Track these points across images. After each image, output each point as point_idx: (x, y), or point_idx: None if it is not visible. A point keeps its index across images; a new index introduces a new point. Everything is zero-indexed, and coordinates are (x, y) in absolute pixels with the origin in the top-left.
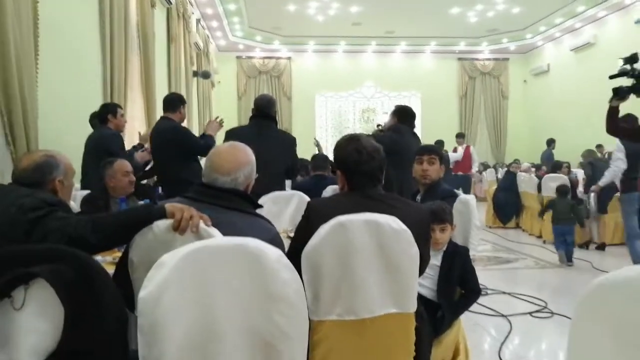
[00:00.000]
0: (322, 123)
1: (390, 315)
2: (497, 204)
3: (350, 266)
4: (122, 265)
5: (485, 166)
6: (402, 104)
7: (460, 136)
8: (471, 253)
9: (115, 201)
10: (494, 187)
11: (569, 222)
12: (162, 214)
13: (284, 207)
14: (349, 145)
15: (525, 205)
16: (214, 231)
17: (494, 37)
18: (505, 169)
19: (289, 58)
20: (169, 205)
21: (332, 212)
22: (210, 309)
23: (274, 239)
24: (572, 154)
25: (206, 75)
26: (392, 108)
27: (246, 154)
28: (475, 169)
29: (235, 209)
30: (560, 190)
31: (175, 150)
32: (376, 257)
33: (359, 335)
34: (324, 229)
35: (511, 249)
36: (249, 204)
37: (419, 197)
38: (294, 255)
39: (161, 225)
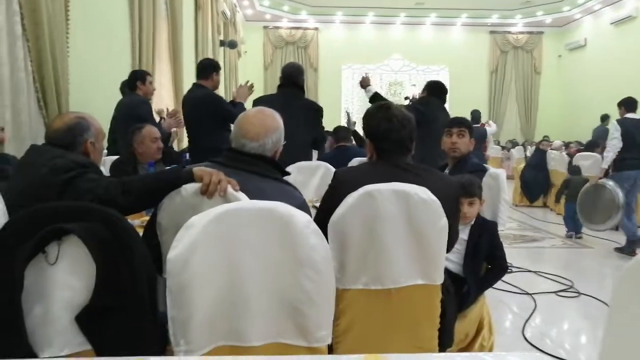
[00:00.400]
0: (348, 95)
1: (417, 286)
2: (524, 182)
3: (378, 236)
4: (151, 227)
5: (513, 144)
6: (433, 79)
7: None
8: (500, 229)
9: (143, 167)
10: (522, 164)
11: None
12: (190, 178)
13: (309, 177)
14: (378, 112)
15: (554, 184)
16: (242, 196)
17: (529, 9)
18: (534, 146)
19: (316, 29)
20: (197, 169)
21: (360, 181)
22: (238, 272)
23: (302, 206)
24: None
25: (233, 44)
26: (421, 82)
27: (274, 119)
28: (489, 151)
29: (263, 174)
30: (573, 169)
31: (208, 118)
32: (404, 228)
33: (384, 305)
34: (351, 198)
35: (538, 228)
36: (277, 170)
37: (447, 171)
38: (320, 224)
39: (189, 188)
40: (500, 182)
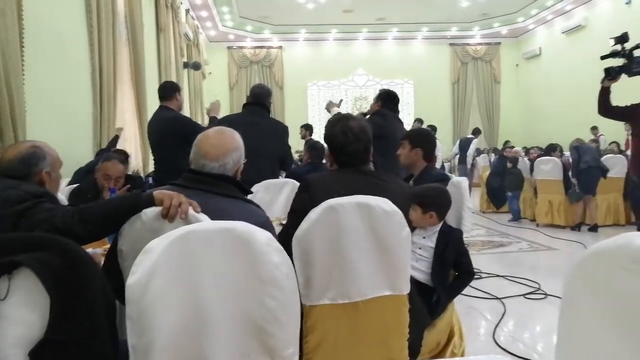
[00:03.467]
0: (314, 112)
1: (384, 298)
2: (490, 188)
3: (342, 249)
4: (112, 255)
5: (478, 152)
6: (388, 88)
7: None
8: (464, 235)
9: (105, 194)
10: (488, 172)
11: (516, 189)
12: (151, 202)
13: (276, 195)
14: (336, 125)
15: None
16: (204, 217)
17: (486, 21)
18: (498, 153)
19: (280, 47)
20: (157, 193)
21: (331, 186)
22: (200, 294)
23: (265, 224)
24: (565, 137)
25: (197, 66)
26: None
27: (234, 139)
28: (439, 164)
29: (224, 194)
30: (512, 161)
31: (177, 139)
32: (368, 240)
33: (352, 318)
34: (314, 213)
35: (505, 233)
36: (239, 190)
37: (411, 182)
38: (290, 231)
39: (149, 213)
40: (463, 190)
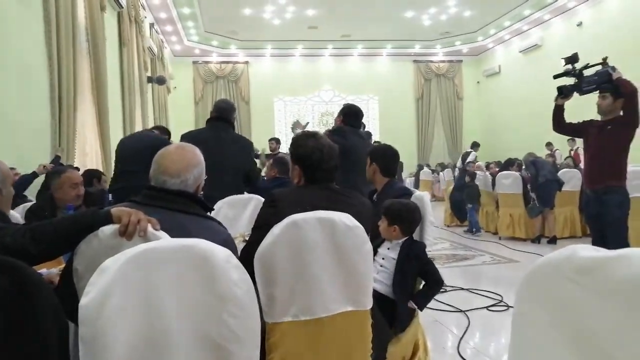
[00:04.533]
0: (281, 127)
1: (347, 313)
2: (453, 202)
3: (305, 265)
4: (67, 275)
5: (442, 167)
6: (350, 103)
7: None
8: (427, 249)
9: (62, 211)
10: (452, 186)
11: (474, 202)
12: (108, 219)
13: (240, 211)
14: (308, 142)
15: (480, 202)
16: (163, 235)
17: (448, 39)
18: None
19: (246, 62)
20: (115, 210)
21: (299, 200)
22: (157, 314)
23: (226, 241)
24: (524, 152)
25: (161, 80)
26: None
27: (195, 154)
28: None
29: (185, 211)
30: (470, 175)
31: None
32: (331, 255)
33: (315, 335)
34: (277, 229)
35: (468, 246)
36: (200, 206)
37: (374, 198)
38: (255, 247)
39: (107, 230)
40: (425, 204)
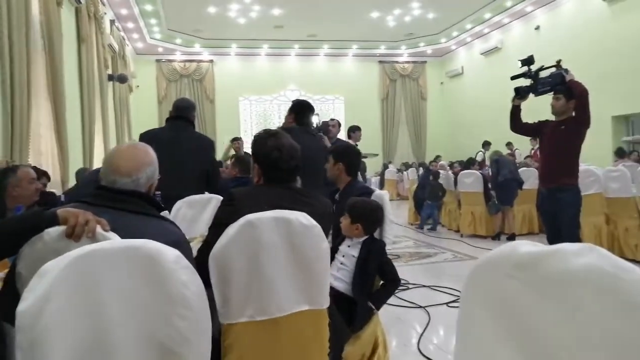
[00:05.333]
0: (246, 127)
1: (303, 313)
2: (417, 201)
3: (261, 265)
4: (10, 279)
5: (407, 166)
6: (300, 99)
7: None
8: (387, 247)
9: (11, 212)
10: (415, 185)
11: (435, 200)
12: (54, 220)
13: (200, 211)
14: (268, 141)
15: (443, 201)
16: (113, 236)
17: (412, 41)
18: (424, 167)
19: (211, 61)
20: (62, 210)
21: (258, 199)
22: (102, 318)
23: (178, 242)
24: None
25: (122, 79)
26: (318, 112)
27: (148, 153)
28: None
29: (136, 211)
30: (433, 174)
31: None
32: (287, 255)
33: (271, 335)
34: (232, 229)
35: (431, 244)
36: (152, 206)
37: (337, 196)
38: (211, 247)
39: (53, 232)
40: (385, 203)
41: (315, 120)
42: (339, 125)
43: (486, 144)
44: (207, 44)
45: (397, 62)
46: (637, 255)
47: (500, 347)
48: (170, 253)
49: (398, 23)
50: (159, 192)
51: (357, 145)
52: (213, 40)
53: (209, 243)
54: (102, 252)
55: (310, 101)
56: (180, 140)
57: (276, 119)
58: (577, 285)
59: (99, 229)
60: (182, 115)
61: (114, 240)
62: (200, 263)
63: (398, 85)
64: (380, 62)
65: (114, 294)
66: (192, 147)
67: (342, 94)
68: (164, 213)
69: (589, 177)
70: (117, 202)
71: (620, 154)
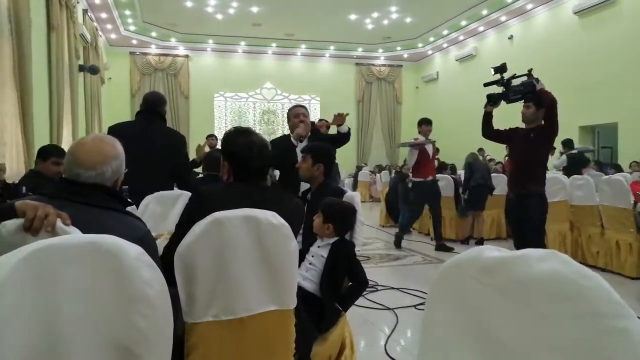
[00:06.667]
0: (221, 124)
1: (270, 313)
2: (388, 203)
3: (227, 264)
4: None
5: (380, 168)
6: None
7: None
8: (356, 249)
9: None
10: (388, 188)
11: (406, 202)
12: (12, 213)
13: (169, 207)
14: (239, 138)
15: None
16: (73, 230)
17: (389, 44)
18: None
19: (186, 56)
20: (20, 203)
21: (225, 200)
22: (57, 317)
23: (143, 238)
24: (458, 157)
25: (94, 70)
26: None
27: (113, 146)
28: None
29: (100, 206)
30: (400, 177)
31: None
32: (254, 254)
33: (237, 335)
34: (199, 227)
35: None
36: (117, 201)
37: (309, 196)
38: (177, 245)
39: (9, 225)
40: (356, 205)
41: None
42: (328, 126)
43: (480, 150)
44: (183, 39)
45: (373, 64)
46: (598, 262)
47: (462, 348)
48: (133, 249)
49: (376, 26)
50: (127, 187)
51: (427, 139)
52: (189, 35)
53: (175, 240)
54: (59, 247)
55: (287, 101)
56: (151, 134)
57: (251, 117)
58: (539, 290)
59: (59, 222)
60: (153, 109)
61: (72, 235)
62: (166, 261)
63: (374, 88)
64: (357, 64)
65: (71, 291)
66: (162, 142)
67: (318, 94)
68: (131, 208)
69: (556, 185)
70: (79, 196)
71: (585, 163)
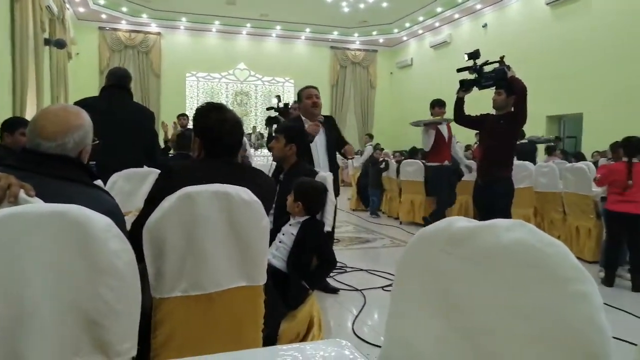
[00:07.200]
0: (192, 104)
1: (239, 289)
2: (359, 188)
3: (197, 239)
4: None
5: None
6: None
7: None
8: (326, 228)
9: None
10: (359, 172)
11: (376, 186)
12: None
13: (138, 185)
14: (210, 114)
15: (385, 188)
16: (37, 202)
17: (365, 29)
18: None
19: (158, 34)
20: None
21: (196, 174)
22: (22, 287)
23: (111, 211)
24: None
25: (61, 44)
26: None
27: (78, 116)
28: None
29: (66, 178)
30: (372, 161)
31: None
32: (225, 229)
33: (205, 310)
34: (168, 201)
35: (371, 230)
36: (84, 173)
37: (281, 177)
38: (145, 220)
39: None
40: (328, 185)
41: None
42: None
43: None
44: (155, 15)
45: (348, 49)
46: None
47: (430, 318)
48: (101, 220)
49: (352, 9)
50: (94, 162)
51: (443, 118)
52: (162, 12)
53: (143, 216)
54: (22, 216)
55: (260, 83)
56: (119, 110)
57: (223, 98)
58: (506, 258)
59: (22, 194)
60: (120, 84)
61: (37, 205)
62: (133, 236)
63: (348, 72)
64: (332, 47)
65: (37, 261)
66: (130, 118)
67: (293, 76)
68: (99, 184)
69: (523, 172)
70: (43, 167)
71: (550, 151)
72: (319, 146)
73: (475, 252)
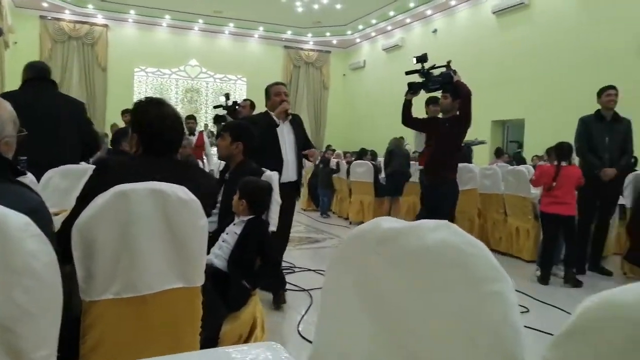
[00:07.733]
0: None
1: (175, 290)
2: (311, 188)
3: (131, 239)
4: None
5: None
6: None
7: (190, 118)
8: (270, 228)
9: None
10: (311, 173)
11: (326, 187)
12: None
13: (75, 182)
14: (150, 109)
15: (336, 189)
16: None
17: (319, 29)
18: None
19: (105, 25)
20: None
21: (133, 172)
22: None
23: (36, 209)
24: (381, 144)
25: None
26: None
27: None
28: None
29: None
30: (323, 161)
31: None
32: (161, 229)
33: (139, 313)
34: (101, 199)
35: (321, 230)
36: (5, 169)
37: (227, 175)
38: (76, 219)
39: None
40: (274, 184)
41: (222, 100)
42: (252, 105)
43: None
44: (102, 6)
45: (302, 49)
46: (501, 247)
47: (358, 316)
48: (18, 219)
49: (306, 10)
50: (25, 158)
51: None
52: (109, 4)
53: (74, 214)
54: None
55: (212, 80)
56: (46, 103)
57: (173, 95)
58: (430, 259)
59: None
60: (43, 76)
61: None
62: (63, 235)
63: (302, 72)
64: (285, 47)
65: None
66: (60, 111)
67: (245, 75)
68: (30, 182)
69: (468, 173)
70: None
71: (498, 154)
72: (287, 145)
73: (401, 253)
